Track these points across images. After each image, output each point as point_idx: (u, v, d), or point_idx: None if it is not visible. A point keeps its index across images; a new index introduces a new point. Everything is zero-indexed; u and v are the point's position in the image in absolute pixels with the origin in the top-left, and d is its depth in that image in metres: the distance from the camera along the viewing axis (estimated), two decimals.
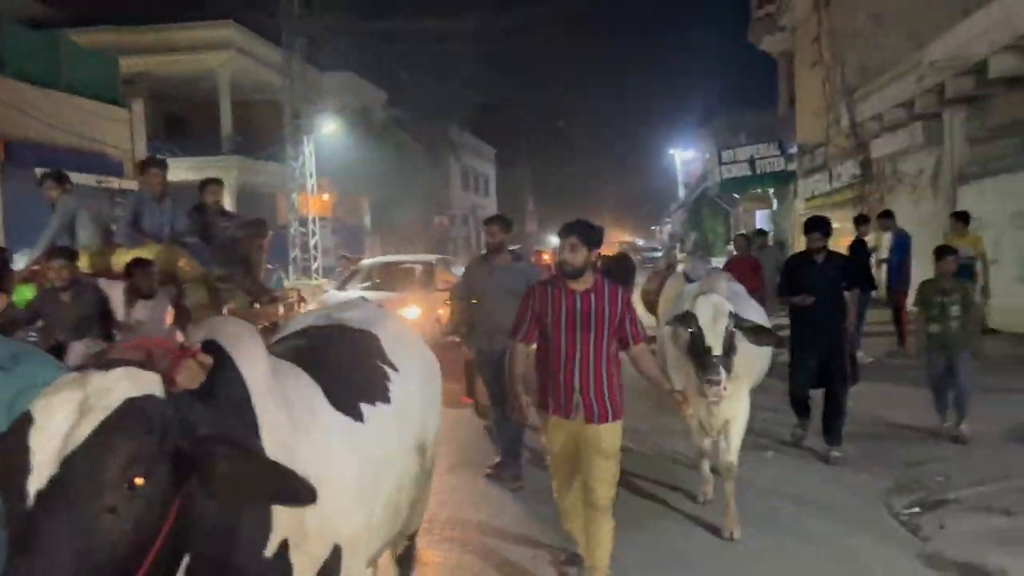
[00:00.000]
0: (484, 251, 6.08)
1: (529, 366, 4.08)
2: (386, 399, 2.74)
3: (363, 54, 30.80)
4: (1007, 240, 10.61)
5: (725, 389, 4.18)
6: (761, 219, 31.33)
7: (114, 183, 17.13)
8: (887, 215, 10.54)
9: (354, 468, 2.39)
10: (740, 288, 5.71)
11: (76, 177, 15.39)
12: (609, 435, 3.77)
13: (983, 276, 9.11)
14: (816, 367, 6.08)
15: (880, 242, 10.36)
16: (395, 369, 2.91)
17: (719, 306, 4.33)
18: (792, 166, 23.63)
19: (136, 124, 18.38)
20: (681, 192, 48.43)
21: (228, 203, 26.43)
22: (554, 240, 53.47)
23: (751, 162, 24.88)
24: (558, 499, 4.03)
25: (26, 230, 14.44)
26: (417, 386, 3.04)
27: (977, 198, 11.48)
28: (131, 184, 17.62)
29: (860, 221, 10.60)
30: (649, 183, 67.02)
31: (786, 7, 21.33)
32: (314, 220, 22.55)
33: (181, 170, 23.89)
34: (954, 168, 12.21)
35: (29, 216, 14.69)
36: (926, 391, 6.51)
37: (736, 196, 30.30)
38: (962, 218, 9.35)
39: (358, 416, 2.51)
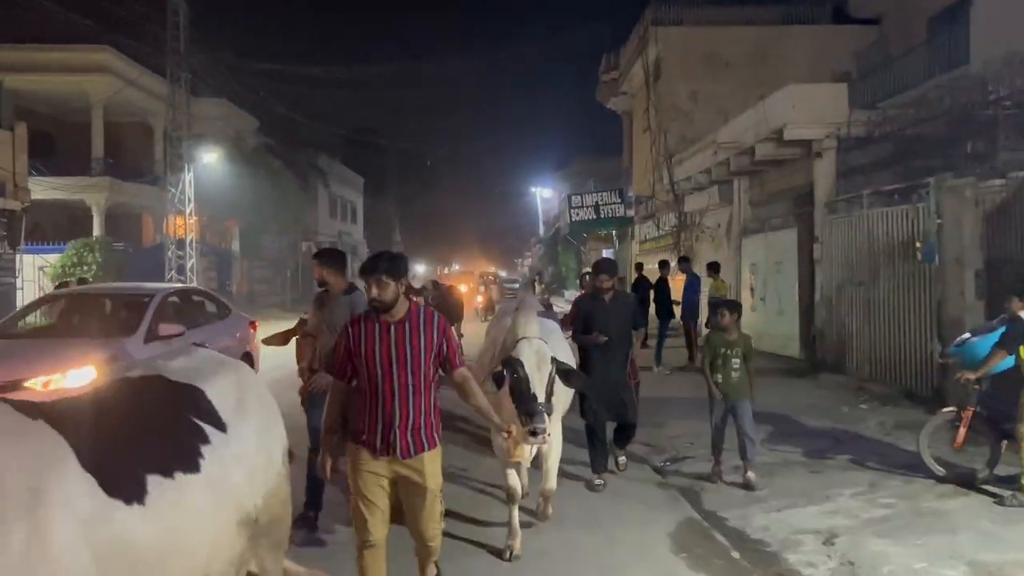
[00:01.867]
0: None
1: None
2: (193, 467, 2.35)
3: (236, 82, 31.82)
4: (771, 282, 13.73)
5: (548, 435, 4.22)
6: (607, 256, 34.81)
7: None
8: (685, 260, 13.46)
9: (84, 560, 2.00)
10: (552, 324, 5.92)
11: None
12: (431, 464, 3.64)
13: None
14: (608, 399, 6.27)
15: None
16: (221, 430, 2.55)
17: (541, 352, 4.35)
18: (631, 212, 26.89)
19: (19, 146, 19.05)
20: (542, 228, 51.54)
21: (97, 223, 27.04)
22: (419, 268, 54.91)
23: (596, 207, 27.86)
24: (360, 548, 3.65)
25: None
26: (251, 448, 2.69)
27: (755, 248, 14.64)
28: (12, 204, 18.39)
29: (682, 261, 13.57)
30: (513, 218, 69.49)
31: (625, 76, 24.69)
32: (190, 243, 23.55)
33: (49, 189, 24.43)
34: (740, 223, 15.41)
35: None
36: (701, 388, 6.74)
37: (585, 235, 33.46)
38: (713, 267, 12.47)
39: (134, 492, 2.13)
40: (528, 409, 4.21)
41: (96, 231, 26.73)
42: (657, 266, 13.41)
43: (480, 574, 4.64)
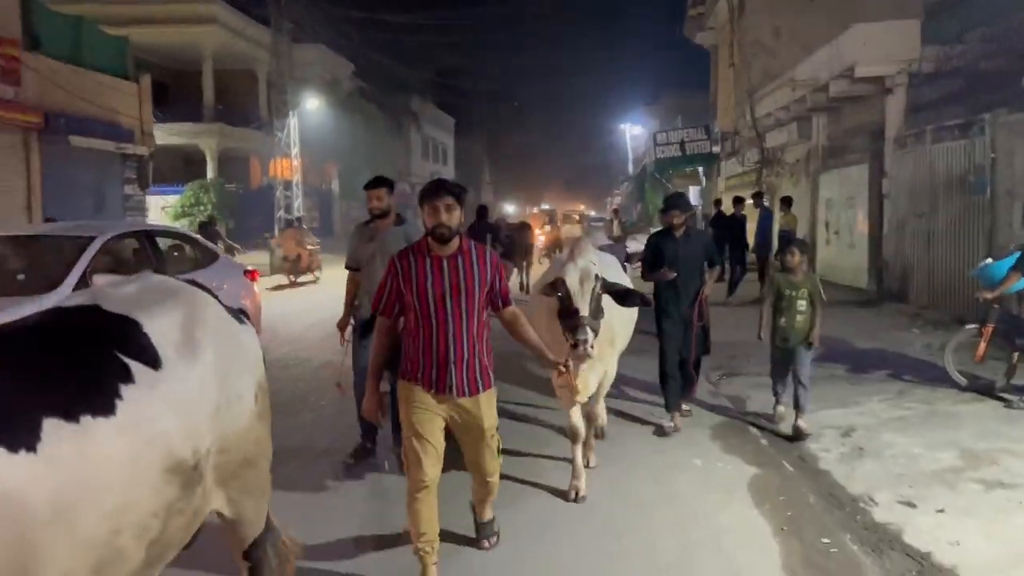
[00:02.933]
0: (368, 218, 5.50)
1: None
2: (106, 409, 2.07)
3: (332, 29, 33.08)
4: (844, 216, 14.16)
5: (592, 347, 4.14)
6: (693, 195, 34.95)
7: (128, 148, 19.79)
8: (758, 195, 14.02)
9: None
10: (611, 258, 6.06)
11: (99, 143, 18.23)
12: (488, 405, 3.57)
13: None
14: (677, 338, 6.20)
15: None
16: (153, 367, 2.27)
17: (586, 270, 4.35)
18: (717, 148, 27.02)
19: (144, 96, 20.90)
20: (631, 166, 51.51)
21: (210, 166, 29.12)
22: (508, 208, 55.66)
23: (681, 144, 28.04)
24: (412, 490, 3.54)
25: (61, 190, 17.21)
26: (200, 387, 2.41)
27: (831, 183, 15.02)
28: (140, 150, 20.34)
29: (756, 197, 14.11)
30: (602, 156, 69.26)
31: (711, 10, 24.66)
32: (296, 183, 25.22)
33: (166, 135, 26.49)
34: (818, 159, 15.74)
35: (63, 177, 17.41)
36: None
37: (671, 173, 33.64)
38: (785, 201, 12.93)
39: (21, 438, 1.85)
40: (570, 323, 4.21)
41: (210, 174, 28.84)
42: (732, 203, 13.99)
43: (542, 517, 4.53)
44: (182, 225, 25.50)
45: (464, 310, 3.46)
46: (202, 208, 26.34)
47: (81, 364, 2.14)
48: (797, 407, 6.03)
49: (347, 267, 5.54)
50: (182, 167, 30.90)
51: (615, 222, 19.24)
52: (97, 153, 18.70)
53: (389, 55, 39.49)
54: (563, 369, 3.77)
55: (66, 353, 2.15)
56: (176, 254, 8.19)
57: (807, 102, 14.68)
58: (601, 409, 5.28)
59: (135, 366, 2.23)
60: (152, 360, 2.30)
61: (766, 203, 14.00)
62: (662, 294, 6.22)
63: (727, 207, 15.67)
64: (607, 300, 4.53)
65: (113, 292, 2.58)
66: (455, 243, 3.50)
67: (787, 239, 8.24)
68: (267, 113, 31.10)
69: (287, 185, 25.23)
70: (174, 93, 31.45)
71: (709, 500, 4.79)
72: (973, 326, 6.89)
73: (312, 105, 26.93)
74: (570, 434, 4.93)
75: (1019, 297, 6.36)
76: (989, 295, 6.38)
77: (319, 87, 31.10)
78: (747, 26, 20.56)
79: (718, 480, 5.15)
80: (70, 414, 1.96)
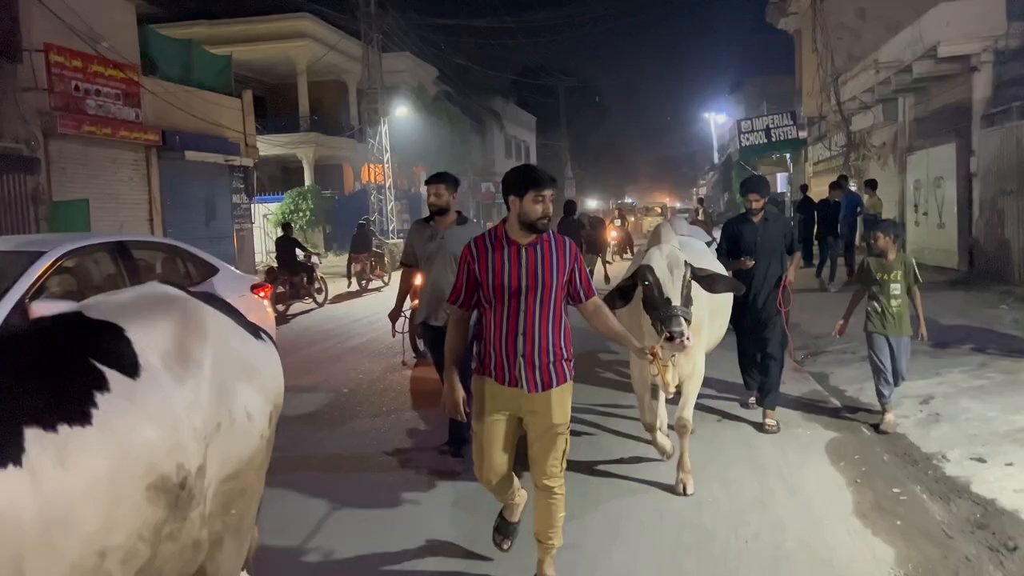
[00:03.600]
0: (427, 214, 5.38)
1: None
2: (84, 419, 1.94)
3: (417, 35, 34.26)
4: (932, 197, 14.04)
5: (688, 339, 3.88)
6: (781, 181, 34.56)
7: (236, 160, 21.22)
8: (842, 180, 14.04)
9: None
10: (696, 242, 5.94)
11: (210, 157, 19.65)
12: (559, 401, 3.39)
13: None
14: (757, 330, 5.99)
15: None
16: (130, 376, 2.12)
17: (673, 256, 4.12)
18: (803, 133, 26.73)
19: (247, 111, 22.31)
20: (716, 155, 51.03)
21: (307, 174, 30.61)
22: (591, 204, 56.14)
23: (767, 131, 27.82)
24: (480, 473, 3.52)
25: (177, 202, 18.67)
26: (182, 401, 2.22)
27: (918, 164, 14.89)
28: (246, 161, 21.74)
29: (836, 184, 14.10)
30: (686, 146, 68.90)
31: None
32: (389, 187, 26.35)
33: (266, 146, 28.03)
34: (904, 141, 15.61)
35: (179, 189, 18.87)
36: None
37: (757, 160, 33.32)
38: (871, 184, 12.93)
39: (10, 452, 1.76)
40: (662, 314, 3.96)
41: (307, 181, 30.34)
42: (828, 188, 13.92)
43: (653, 512, 4.42)
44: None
45: (540, 301, 3.32)
46: (301, 214, 27.78)
47: (54, 372, 2.01)
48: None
49: (402, 263, 5.52)
50: (280, 176, 32.62)
51: (700, 211, 19.44)
52: (208, 166, 20.13)
53: (471, 58, 40.54)
54: (652, 356, 3.54)
55: (39, 361, 2.02)
56: (164, 269, 7.12)
57: (892, 84, 14.62)
58: (689, 413, 4.79)
59: (111, 374, 2.07)
60: (130, 368, 2.14)
61: (852, 187, 14.01)
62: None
63: (816, 193, 15.72)
64: (694, 287, 4.26)
65: (104, 299, 2.50)
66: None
67: (874, 221, 8.36)
68: (358, 121, 32.52)
69: (379, 189, 26.41)
70: (271, 106, 33.24)
71: (788, 458, 5.23)
72: None
73: (401, 112, 28.04)
74: (648, 430, 4.95)
75: None
76: None
77: (406, 93, 32.25)
78: (830, 9, 20.40)
79: (797, 442, 5.57)
80: (48, 423, 1.86)
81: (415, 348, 8.85)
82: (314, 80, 31.87)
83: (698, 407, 5.30)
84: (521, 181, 3.32)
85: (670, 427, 5.23)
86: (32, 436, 1.83)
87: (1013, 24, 11.51)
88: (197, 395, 2.29)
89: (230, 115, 21.55)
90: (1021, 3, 11.88)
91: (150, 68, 18.34)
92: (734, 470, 5.04)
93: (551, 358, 3.37)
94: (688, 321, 4.00)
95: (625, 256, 21.90)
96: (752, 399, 6.41)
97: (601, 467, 5.19)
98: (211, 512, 2.32)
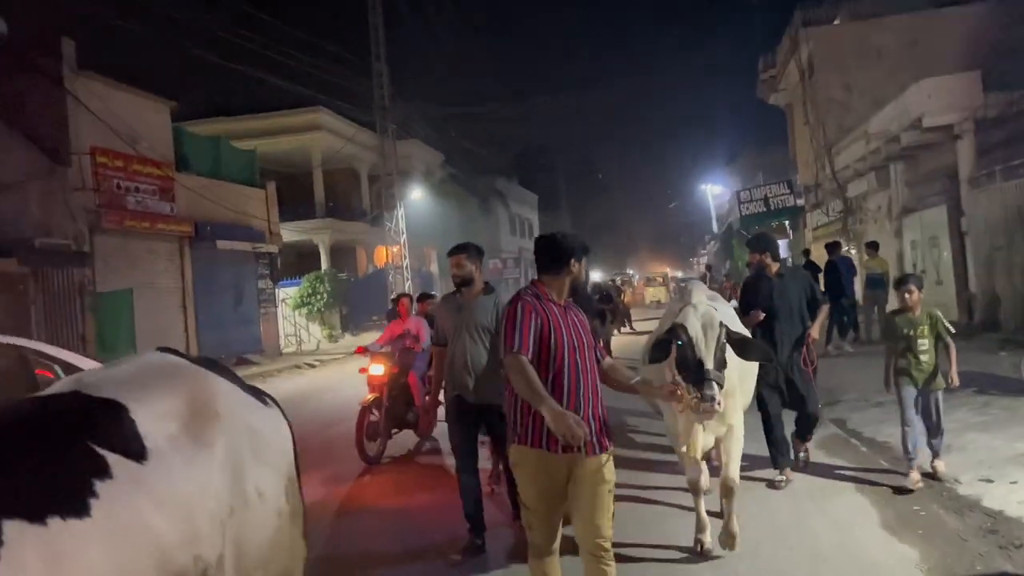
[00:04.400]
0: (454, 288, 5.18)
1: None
2: (78, 509, 1.74)
3: (425, 123, 35.89)
4: (928, 255, 14.91)
5: (720, 405, 3.83)
6: (782, 248, 35.47)
7: (262, 247, 22.26)
8: (835, 245, 14.78)
9: None
10: (724, 304, 5.67)
11: (237, 245, 20.62)
12: (609, 462, 3.34)
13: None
14: (778, 385, 5.86)
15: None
16: (136, 459, 1.93)
17: (708, 316, 4.02)
18: (800, 201, 27.84)
19: (271, 200, 23.47)
20: (715, 225, 52.29)
21: (324, 258, 31.66)
22: (594, 276, 57.37)
23: (765, 200, 28.91)
24: (536, 556, 3.45)
25: (208, 288, 19.56)
26: (193, 485, 2.03)
27: (913, 225, 15.82)
28: (271, 248, 22.74)
29: (832, 247, 14.92)
30: (685, 217, 70.27)
31: (782, 74, 25.94)
32: (406, 267, 27.37)
33: (285, 233, 29.16)
34: (899, 204, 16.59)
35: (209, 276, 19.80)
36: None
37: (757, 228, 34.41)
38: (872, 246, 13.73)
39: None
40: (696, 377, 3.83)
41: (324, 265, 31.38)
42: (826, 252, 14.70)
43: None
44: (302, 313, 28.09)
45: (587, 360, 3.35)
46: (319, 297, 28.66)
47: (47, 459, 1.82)
48: (933, 450, 5.77)
49: (434, 343, 5.30)
50: (295, 261, 33.67)
51: (708, 276, 20.16)
52: (236, 253, 21.16)
53: (474, 142, 42.22)
54: (678, 395, 3.56)
55: (30, 447, 1.83)
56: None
57: (882, 153, 15.69)
58: (735, 474, 4.66)
59: (113, 459, 1.88)
60: (136, 452, 1.95)
61: (845, 251, 14.87)
62: (757, 339, 5.63)
63: (816, 257, 16.50)
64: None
65: (102, 374, 2.35)
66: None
67: (879, 281, 8.86)
68: (370, 206, 33.84)
69: (396, 269, 27.52)
70: (287, 194, 34.56)
71: (815, 489, 5.88)
72: None
73: (416, 196, 29.33)
74: (689, 486, 4.75)
75: None
76: None
77: (416, 178, 33.64)
78: (818, 85, 21.73)
79: (823, 475, 6.22)
80: (35, 516, 1.67)
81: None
82: (327, 168, 33.26)
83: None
84: (582, 246, 3.51)
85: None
86: (13, 529, 1.61)
87: (990, 95, 12.58)
88: (210, 477, 2.09)
89: (255, 205, 22.73)
90: (996, 75, 12.98)
91: (182, 164, 19.53)
92: (771, 500, 5.67)
93: (602, 416, 3.36)
94: (721, 385, 3.91)
95: (623, 330, 21.47)
96: (782, 479, 5.88)
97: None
98: None
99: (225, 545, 2.07)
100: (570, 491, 3.30)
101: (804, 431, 6.21)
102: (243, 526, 2.17)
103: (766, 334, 5.80)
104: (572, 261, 3.44)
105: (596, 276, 62.24)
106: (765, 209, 29.09)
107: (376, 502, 6.80)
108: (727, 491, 4.62)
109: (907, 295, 5.68)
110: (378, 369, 8.17)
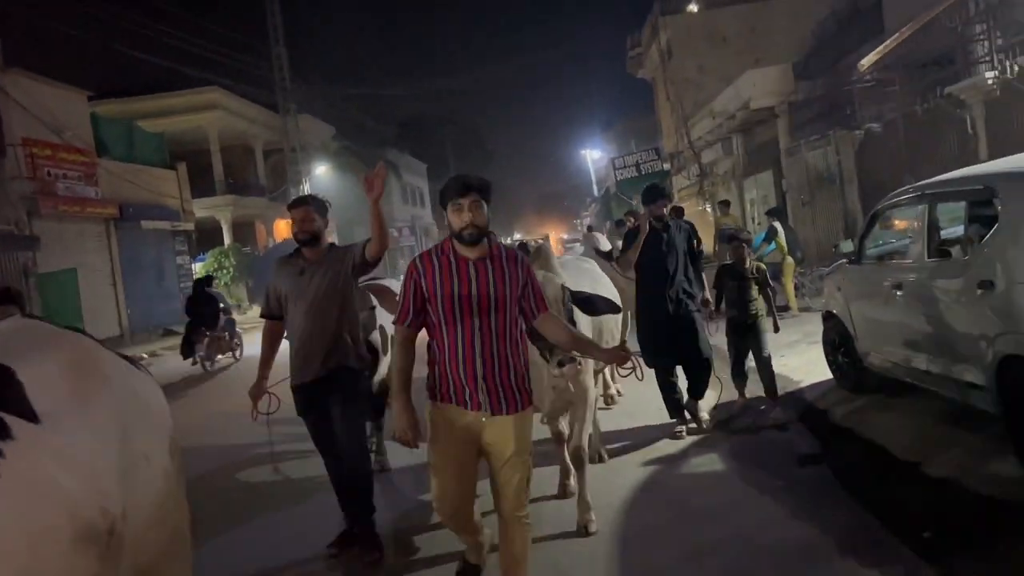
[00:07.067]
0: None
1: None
2: None
3: (315, 97, 37.28)
4: (761, 210, 18.37)
5: (580, 364, 3.72)
6: None
7: (179, 226, 23.73)
8: (679, 211, 18.07)
9: None
10: (589, 264, 5.88)
11: (159, 224, 22.08)
12: (523, 425, 3.17)
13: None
14: (662, 337, 5.82)
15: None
16: (32, 420, 1.87)
17: (547, 281, 3.85)
18: (667, 165, 31.37)
19: (182, 181, 24.83)
20: (595, 188, 55.84)
21: (226, 234, 32.95)
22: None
23: (637, 166, 32.22)
24: (442, 506, 3.29)
25: (133, 266, 21.01)
26: (89, 443, 1.98)
27: (751, 187, 19.29)
28: (187, 226, 24.18)
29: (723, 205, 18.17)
30: (568, 181, 74.04)
31: (646, 54, 29.23)
32: None
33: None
34: (740, 170, 20.06)
35: (134, 255, 21.21)
36: None
37: (631, 191, 37.93)
38: (725, 204, 17.02)
39: None
40: (544, 345, 3.59)
41: (227, 240, 32.63)
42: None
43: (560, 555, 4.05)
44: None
45: (495, 318, 3.10)
46: (224, 271, 30.02)
47: None
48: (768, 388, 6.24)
49: (263, 315, 4.42)
50: (199, 237, 34.68)
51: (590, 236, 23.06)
52: (157, 233, 22.61)
53: (364, 115, 43.84)
54: (626, 354, 3.42)
55: None
56: None
57: (724, 127, 19.01)
58: (584, 442, 4.49)
59: (12, 420, 1.79)
60: (30, 413, 1.87)
61: (700, 209, 18.14)
62: (641, 290, 5.90)
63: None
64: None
65: None
66: (484, 245, 3.14)
67: (732, 235, 11.34)
68: (267, 181, 35.17)
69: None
70: (189, 173, 35.35)
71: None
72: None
73: (321, 171, 30.95)
74: (554, 436, 4.77)
75: None
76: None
77: (311, 153, 35.15)
78: (676, 66, 25.01)
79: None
80: None
81: None
82: (223, 145, 34.24)
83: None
84: (442, 193, 3.15)
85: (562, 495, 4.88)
86: None
87: (800, 83, 15.92)
88: (104, 437, 2.05)
89: (169, 185, 24.07)
90: (804, 68, 16.34)
91: (101, 149, 20.78)
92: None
93: (513, 379, 3.15)
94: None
95: None
96: (680, 429, 5.82)
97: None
98: (141, 566, 2.12)
99: (124, 502, 2.01)
100: (487, 457, 3.21)
101: (696, 389, 6.01)
102: (135, 486, 2.10)
103: (657, 281, 5.76)
104: (448, 204, 3.10)
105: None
106: (637, 174, 32.30)
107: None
108: (577, 461, 4.47)
109: (740, 250, 6.28)
110: None
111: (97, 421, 2.06)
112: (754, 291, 6.13)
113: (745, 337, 6.20)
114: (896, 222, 5.71)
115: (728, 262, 6.52)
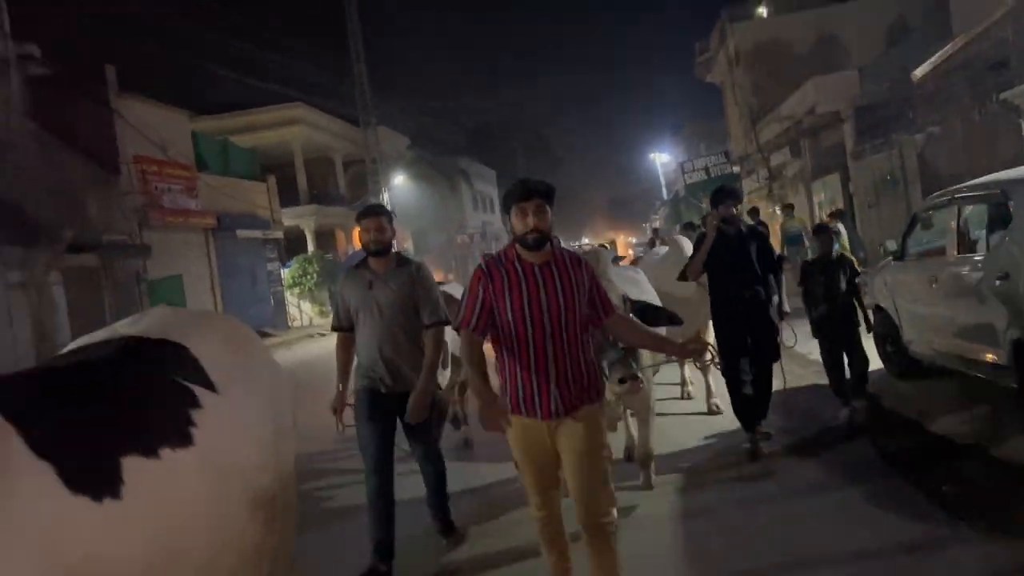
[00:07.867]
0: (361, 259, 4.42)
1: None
2: (184, 440, 1.83)
3: (391, 109, 38.83)
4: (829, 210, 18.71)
5: (642, 383, 3.64)
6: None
7: (270, 234, 25.34)
8: (755, 211, 18.60)
9: None
10: (634, 272, 5.80)
11: (252, 233, 23.62)
12: (594, 423, 3.13)
13: (809, 243, 17.00)
14: (737, 336, 5.48)
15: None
16: (214, 390, 2.01)
17: (608, 290, 3.59)
18: (736, 168, 31.63)
19: (272, 192, 26.45)
20: (664, 191, 56.08)
21: (310, 242, 34.63)
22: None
23: (706, 169, 32.64)
24: (536, 519, 3.25)
25: (229, 273, 22.59)
26: (254, 412, 2.15)
27: (819, 190, 19.63)
28: (277, 234, 25.76)
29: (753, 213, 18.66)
30: (636, 185, 74.38)
31: (715, 59, 29.62)
32: None
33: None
34: (808, 173, 20.39)
35: (230, 262, 22.79)
36: None
37: (701, 194, 38.23)
38: (789, 207, 17.45)
39: (106, 484, 1.59)
40: (610, 356, 3.53)
41: (310, 248, 34.32)
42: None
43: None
44: (295, 292, 31.13)
45: (565, 323, 3.07)
46: (309, 278, 31.60)
47: (146, 392, 1.89)
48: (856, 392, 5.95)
49: (334, 328, 4.38)
50: (285, 245, 36.54)
51: (656, 240, 23.65)
52: (250, 241, 24.21)
53: (436, 125, 45.33)
54: (703, 346, 3.47)
55: (124, 383, 1.87)
56: None
57: (792, 132, 19.40)
58: (649, 443, 4.79)
59: (196, 391, 1.95)
60: (210, 383, 2.03)
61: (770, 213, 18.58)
62: (715, 289, 5.59)
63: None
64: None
65: (141, 323, 2.29)
66: (548, 250, 3.12)
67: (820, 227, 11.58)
68: (347, 191, 36.84)
69: None
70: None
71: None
72: None
73: (398, 181, 32.35)
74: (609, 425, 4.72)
75: None
76: None
77: (388, 163, 36.67)
78: (744, 72, 25.39)
79: None
80: (149, 449, 1.69)
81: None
82: (306, 158, 36.00)
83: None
84: (506, 198, 3.15)
85: (628, 459, 5.36)
86: (131, 465, 1.65)
87: (866, 87, 16.26)
88: (264, 407, 2.20)
89: (260, 197, 25.69)
90: (871, 74, 16.66)
91: (200, 164, 22.44)
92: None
93: (585, 380, 3.13)
94: (637, 361, 3.82)
95: None
96: (754, 442, 5.48)
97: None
98: (285, 534, 2.20)
99: (279, 470, 2.11)
100: (563, 459, 3.16)
101: (760, 407, 5.62)
102: (282, 456, 2.24)
103: (729, 283, 5.48)
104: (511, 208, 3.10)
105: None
106: (706, 177, 32.71)
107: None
108: (645, 460, 4.89)
109: (827, 243, 6.07)
110: None
111: (256, 392, 2.22)
112: (843, 283, 5.85)
113: (838, 333, 5.82)
114: (934, 223, 6.29)
115: (809, 258, 6.47)
